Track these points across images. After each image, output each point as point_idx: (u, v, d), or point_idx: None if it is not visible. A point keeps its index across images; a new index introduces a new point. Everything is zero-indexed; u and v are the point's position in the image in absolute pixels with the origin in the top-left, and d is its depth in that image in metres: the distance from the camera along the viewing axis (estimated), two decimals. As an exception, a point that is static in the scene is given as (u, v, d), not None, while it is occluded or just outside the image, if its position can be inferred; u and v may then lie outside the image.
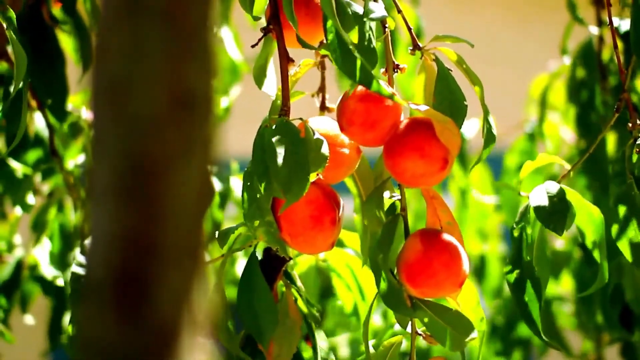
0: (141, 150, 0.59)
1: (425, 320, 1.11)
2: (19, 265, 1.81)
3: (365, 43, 1.09)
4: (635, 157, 1.28)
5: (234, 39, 1.91)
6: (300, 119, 1.14)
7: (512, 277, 1.26)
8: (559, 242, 2.22)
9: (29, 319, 1.87)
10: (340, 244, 1.50)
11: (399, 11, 1.22)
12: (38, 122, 1.66)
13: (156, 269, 0.59)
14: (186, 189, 0.61)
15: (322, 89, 1.38)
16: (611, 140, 1.95)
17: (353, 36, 1.10)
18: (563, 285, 2.34)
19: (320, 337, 1.23)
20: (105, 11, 0.61)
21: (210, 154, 0.62)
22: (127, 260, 0.59)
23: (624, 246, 1.26)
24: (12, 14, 1.25)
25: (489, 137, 1.17)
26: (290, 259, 1.22)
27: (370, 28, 1.10)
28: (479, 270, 2.47)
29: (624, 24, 1.72)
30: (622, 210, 1.27)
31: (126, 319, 0.58)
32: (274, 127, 1.10)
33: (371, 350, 1.18)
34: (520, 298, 1.25)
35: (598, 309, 2.07)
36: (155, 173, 0.59)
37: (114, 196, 0.59)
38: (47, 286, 1.81)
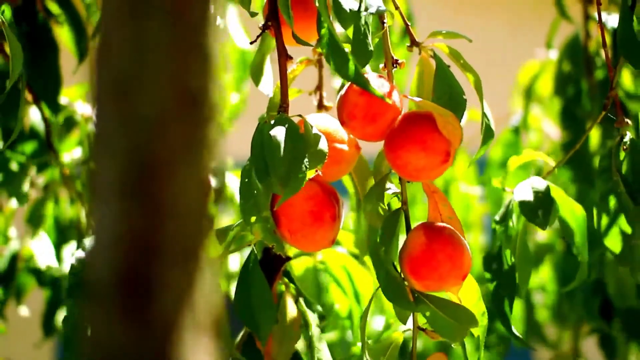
0: (145, 149, 0.59)
1: (428, 314, 1.10)
2: (14, 257, 1.81)
3: (360, 37, 1.08)
4: (622, 155, 1.29)
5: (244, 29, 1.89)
6: (299, 115, 1.14)
7: (491, 271, 1.28)
8: (541, 234, 2.23)
9: (23, 311, 1.87)
10: (336, 243, 1.48)
11: (397, 7, 1.22)
12: (33, 116, 1.65)
13: (160, 269, 0.59)
14: (189, 188, 0.60)
15: (319, 87, 1.36)
16: (594, 133, 1.97)
17: (349, 32, 1.09)
18: (542, 276, 2.35)
19: (317, 337, 1.22)
20: (108, 8, 0.60)
21: (213, 152, 0.62)
22: (130, 260, 0.59)
23: (610, 242, 1.27)
24: (8, 9, 1.24)
25: (487, 132, 1.16)
26: (290, 258, 1.21)
27: (366, 23, 1.09)
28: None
29: (611, 20, 1.73)
30: (608, 207, 1.28)
31: (130, 318, 0.58)
32: (272, 123, 1.09)
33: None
34: (496, 291, 1.27)
35: (579, 300, 2.09)
36: (159, 172, 0.59)
37: (118, 195, 0.59)
38: (43, 278, 1.81)
